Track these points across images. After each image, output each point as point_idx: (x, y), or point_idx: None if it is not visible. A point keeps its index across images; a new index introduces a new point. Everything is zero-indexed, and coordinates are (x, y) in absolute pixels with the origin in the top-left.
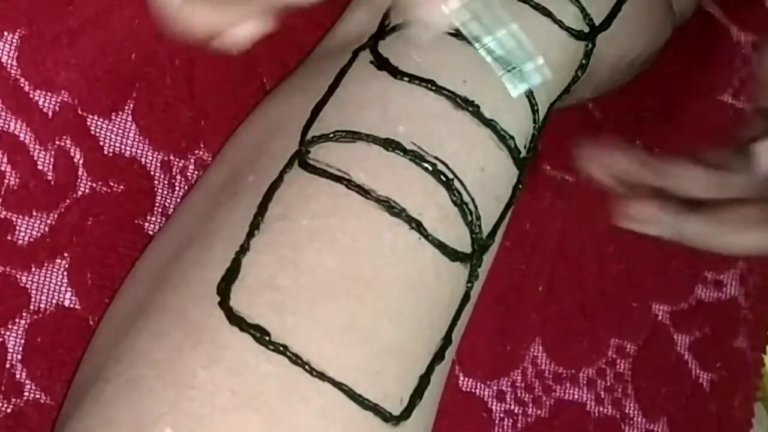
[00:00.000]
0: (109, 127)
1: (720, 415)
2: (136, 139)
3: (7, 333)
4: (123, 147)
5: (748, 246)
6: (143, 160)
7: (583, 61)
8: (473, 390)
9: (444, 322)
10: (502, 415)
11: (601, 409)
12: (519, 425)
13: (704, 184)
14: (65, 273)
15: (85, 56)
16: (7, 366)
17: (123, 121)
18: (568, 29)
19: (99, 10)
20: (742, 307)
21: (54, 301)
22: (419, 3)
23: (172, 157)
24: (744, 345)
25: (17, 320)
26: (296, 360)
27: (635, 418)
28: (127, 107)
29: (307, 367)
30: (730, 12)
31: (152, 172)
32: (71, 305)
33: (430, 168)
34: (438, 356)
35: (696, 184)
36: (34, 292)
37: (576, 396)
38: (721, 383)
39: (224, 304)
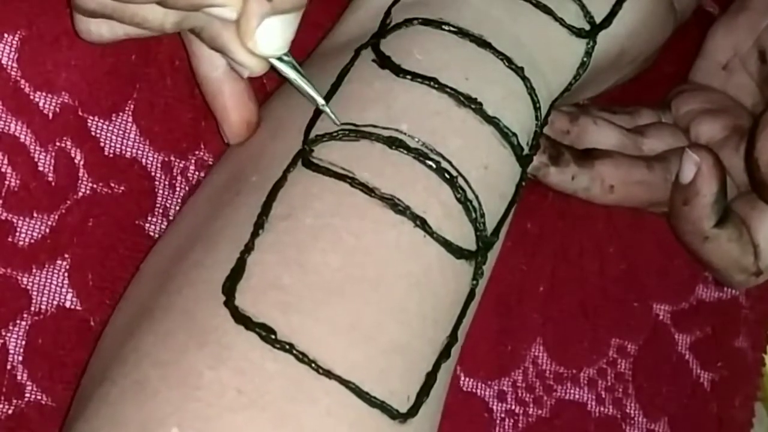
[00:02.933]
0: (110, 128)
1: (721, 415)
2: (137, 140)
3: (8, 334)
4: (123, 148)
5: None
6: (144, 160)
7: (585, 60)
8: (474, 390)
9: (449, 320)
10: (503, 415)
11: (602, 409)
12: (520, 425)
13: (616, 141)
14: (66, 274)
15: (86, 58)
16: (8, 367)
17: (123, 122)
18: (569, 27)
19: None
20: (743, 306)
21: (55, 303)
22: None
23: (172, 158)
24: (745, 345)
25: (18, 321)
26: (302, 358)
27: (636, 418)
28: (127, 108)
29: (313, 365)
30: None
31: (153, 173)
32: (72, 306)
33: (434, 165)
34: (444, 354)
35: (607, 140)
36: (35, 293)
37: (577, 396)
38: (722, 383)
39: (229, 303)
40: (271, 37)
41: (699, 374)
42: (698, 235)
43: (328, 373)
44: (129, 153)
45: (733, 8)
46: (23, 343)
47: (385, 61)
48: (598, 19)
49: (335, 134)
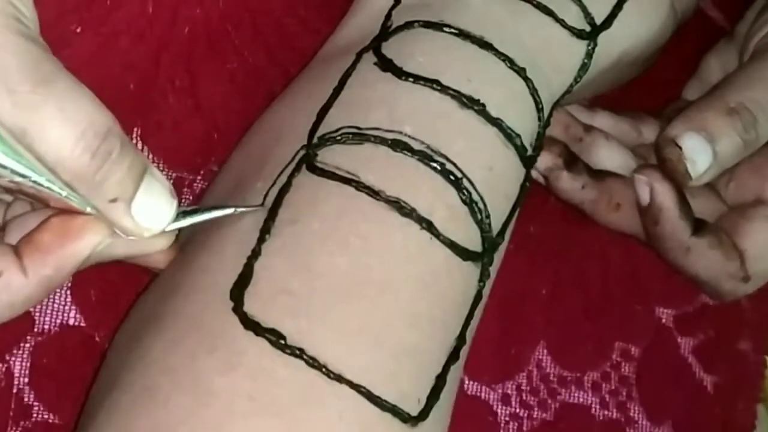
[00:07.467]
0: None
1: (724, 418)
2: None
3: (12, 358)
4: None
5: (612, 224)
6: None
7: (586, 61)
8: (478, 394)
9: (457, 322)
10: (507, 418)
11: (606, 412)
12: (524, 428)
13: (622, 161)
14: (68, 292)
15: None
16: (15, 391)
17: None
18: (570, 29)
19: (94, 49)
20: (745, 309)
21: (58, 321)
22: None
23: (185, 174)
24: (747, 347)
25: (22, 344)
26: (313, 363)
27: (640, 422)
28: (134, 134)
29: (324, 369)
30: (731, 17)
31: None
32: (76, 323)
33: (439, 167)
34: (453, 356)
35: (615, 157)
36: (37, 314)
37: (581, 399)
38: (725, 386)
39: (238, 309)
40: (154, 211)
41: (702, 377)
42: (680, 249)
43: (339, 378)
44: None
45: (725, 36)
46: (28, 365)
47: (387, 64)
48: (598, 21)
49: (339, 138)
